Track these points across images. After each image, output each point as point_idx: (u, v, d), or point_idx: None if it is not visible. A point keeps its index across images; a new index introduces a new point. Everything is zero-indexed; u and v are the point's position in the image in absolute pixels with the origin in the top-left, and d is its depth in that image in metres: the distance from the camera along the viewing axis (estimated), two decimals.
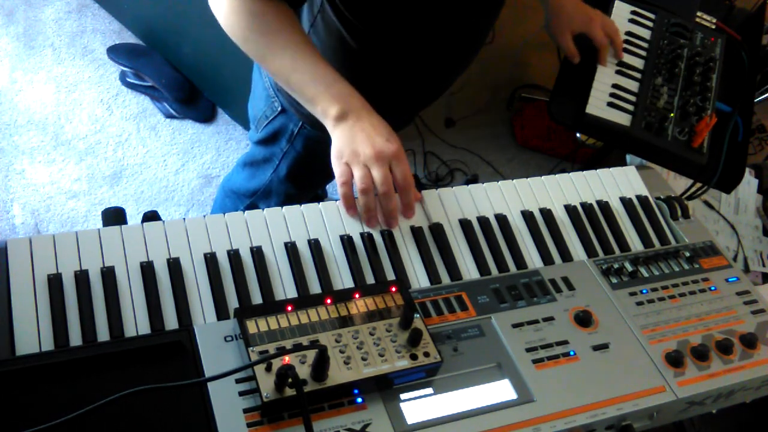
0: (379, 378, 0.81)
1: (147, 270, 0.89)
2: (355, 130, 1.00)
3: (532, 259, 1.05)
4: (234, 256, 0.93)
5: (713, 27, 1.72)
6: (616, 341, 0.94)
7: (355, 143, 0.99)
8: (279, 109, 1.35)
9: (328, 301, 0.87)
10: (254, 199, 1.57)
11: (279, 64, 1.03)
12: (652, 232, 1.13)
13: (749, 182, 2.11)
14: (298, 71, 1.02)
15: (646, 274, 1.05)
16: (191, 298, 0.88)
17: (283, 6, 1.03)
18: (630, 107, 1.48)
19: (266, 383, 0.76)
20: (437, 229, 1.03)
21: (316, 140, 1.35)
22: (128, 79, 2.49)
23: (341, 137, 1.01)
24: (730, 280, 1.07)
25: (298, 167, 1.43)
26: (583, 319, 0.95)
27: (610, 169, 1.20)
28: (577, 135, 2.52)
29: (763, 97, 2.07)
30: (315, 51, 1.04)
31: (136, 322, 0.85)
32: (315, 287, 0.94)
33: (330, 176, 1.73)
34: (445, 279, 0.99)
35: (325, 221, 1.00)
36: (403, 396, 0.83)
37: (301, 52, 1.02)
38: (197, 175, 2.37)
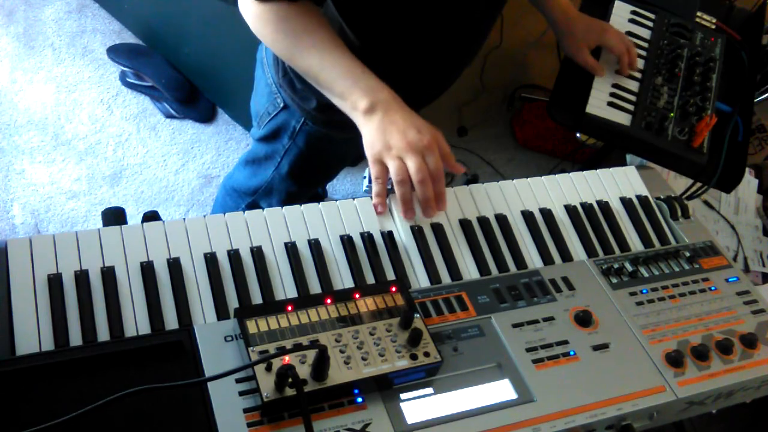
0: (379, 378, 0.81)
1: (147, 270, 0.89)
2: (386, 123, 1.00)
3: (532, 259, 1.05)
4: (234, 256, 0.93)
5: (713, 27, 1.72)
6: (616, 341, 0.94)
7: (387, 136, 0.99)
8: (281, 105, 1.35)
9: (328, 301, 0.87)
10: (256, 197, 1.57)
11: (308, 63, 1.04)
12: (652, 232, 1.13)
13: (749, 182, 2.12)
14: (326, 69, 1.03)
15: (646, 274, 1.05)
16: (191, 298, 0.88)
17: (308, 5, 1.04)
18: (630, 107, 1.48)
19: (266, 383, 0.76)
20: (437, 229, 1.03)
21: (318, 137, 1.35)
22: (128, 79, 2.49)
23: (372, 131, 1.01)
24: (730, 280, 1.07)
25: (300, 164, 1.43)
26: (583, 319, 0.95)
27: (610, 169, 1.20)
28: (577, 135, 2.52)
29: (763, 97, 2.08)
30: (343, 47, 1.04)
31: (136, 322, 0.85)
32: (315, 287, 0.94)
33: (331, 174, 1.73)
34: (445, 279, 0.99)
35: (325, 221, 1.00)
36: (403, 396, 0.83)
37: (328, 50, 1.03)
38: (197, 175, 2.37)
